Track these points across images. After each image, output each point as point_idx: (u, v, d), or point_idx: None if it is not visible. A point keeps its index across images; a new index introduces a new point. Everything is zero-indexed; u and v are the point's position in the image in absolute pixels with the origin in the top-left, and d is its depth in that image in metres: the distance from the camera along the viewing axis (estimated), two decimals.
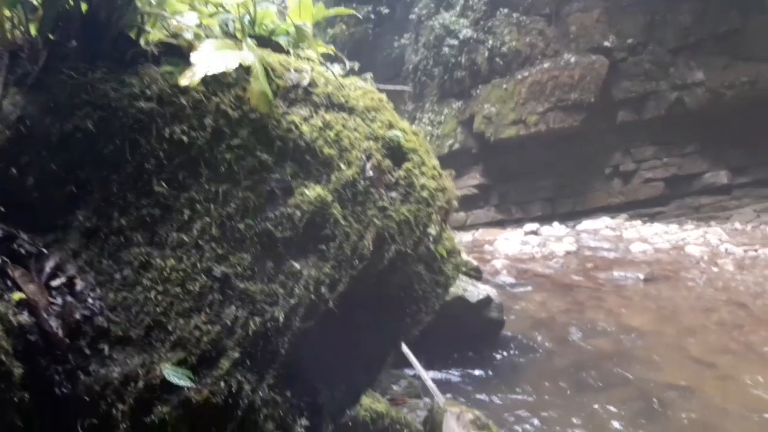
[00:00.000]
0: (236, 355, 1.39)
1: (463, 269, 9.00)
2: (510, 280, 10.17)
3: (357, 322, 1.67)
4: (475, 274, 9.06)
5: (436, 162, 1.81)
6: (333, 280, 1.48)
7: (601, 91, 13.21)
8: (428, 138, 14.36)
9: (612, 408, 5.75)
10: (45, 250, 1.35)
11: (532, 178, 14.37)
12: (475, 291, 7.94)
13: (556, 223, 13.65)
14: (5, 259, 1.26)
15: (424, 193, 1.67)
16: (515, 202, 14.64)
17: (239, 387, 1.37)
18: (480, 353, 7.42)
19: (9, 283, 1.24)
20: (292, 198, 1.49)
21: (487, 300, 7.88)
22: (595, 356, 7.08)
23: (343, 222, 1.51)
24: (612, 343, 7.49)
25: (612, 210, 13.95)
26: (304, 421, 1.43)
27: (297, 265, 1.47)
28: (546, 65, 13.68)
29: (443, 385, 5.68)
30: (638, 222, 13.31)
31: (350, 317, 1.66)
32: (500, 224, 14.47)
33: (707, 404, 5.61)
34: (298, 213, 1.49)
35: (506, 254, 11.74)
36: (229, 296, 1.42)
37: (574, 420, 5.59)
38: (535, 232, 13.04)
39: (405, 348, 5.66)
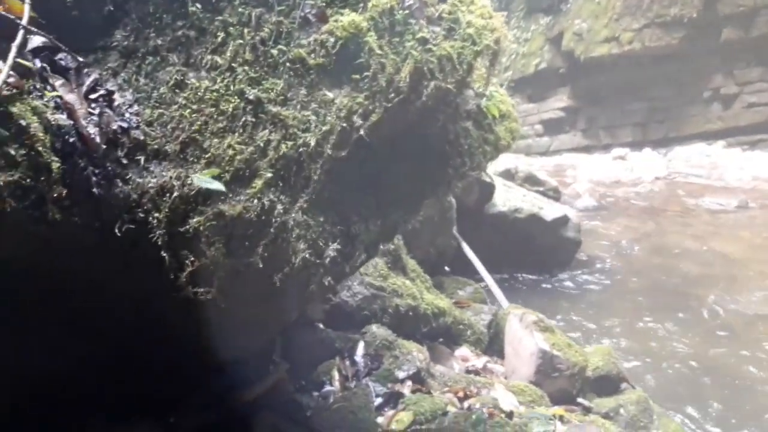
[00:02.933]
0: (269, 175, 1.40)
1: (541, 188, 8.78)
2: (592, 203, 9.82)
3: (396, 166, 1.65)
4: (554, 195, 8.83)
5: (487, 2, 1.71)
6: (366, 110, 1.45)
7: (705, 6, 12.11)
8: (512, 57, 13.82)
9: (682, 330, 5.57)
10: (85, 67, 1.39)
11: (622, 101, 13.60)
12: (551, 209, 7.75)
13: (647, 149, 12.96)
14: (46, 66, 1.30)
15: (470, 30, 1.59)
16: (603, 127, 13.96)
17: (272, 206, 1.39)
18: (553, 271, 7.31)
19: (49, 89, 1.29)
20: (325, 24, 1.46)
21: (564, 219, 7.67)
22: (674, 280, 6.83)
23: (378, 51, 1.46)
24: (694, 268, 7.18)
25: (708, 137, 13.04)
26: (336, 246, 1.44)
27: (330, 94, 1.45)
28: None
29: (513, 300, 5.64)
30: (737, 149, 12.41)
31: (389, 158, 1.64)
32: (586, 150, 13.91)
33: None
34: (332, 40, 1.45)
35: (590, 179, 11.32)
36: (262, 120, 1.43)
37: (640, 339, 5.46)
38: (622, 158, 12.45)
39: (470, 253, 5.65)
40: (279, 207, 1.40)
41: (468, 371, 3.98)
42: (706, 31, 12.36)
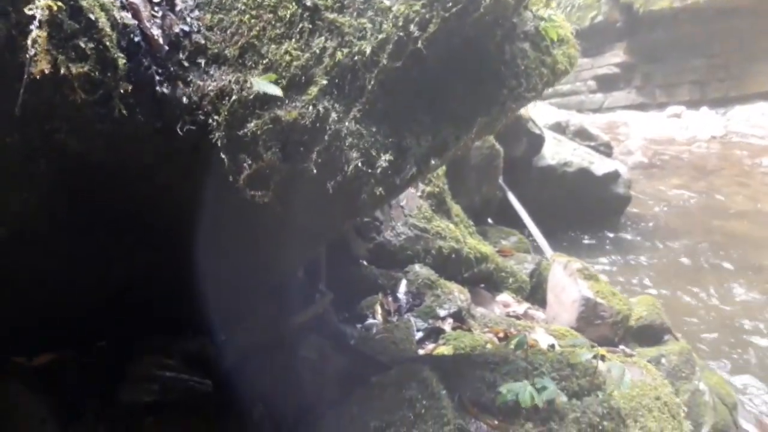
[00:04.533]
0: (324, 82, 1.42)
1: (592, 143, 8.58)
2: (643, 160, 9.59)
3: (450, 83, 1.64)
4: (605, 150, 8.61)
5: None
6: (423, 19, 1.44)
7: None
8: (568, 9, 13.36)
9: (731, 290, 5.46)
10: None
11: (681, 58, 13.04)
12: (601, 164, 7.60)
13: (704, 108, 12.47)
14: None
15: None
16: (660, 85, 13.46)
17: (326, 113, 1.41)
18: (602, 227, 7.22)
19: None
20: None
21: (615, 174, 7.51)
22: (726, 240, 6.66)
23: None
24: (747, 228, 6.97)
25: None
26: (388, 157, 1.45)
27: (387, 2, 1.45)
28: None
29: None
30: None
31: (444, 75, 1.63)
32: (641, 107, 13.48)
33: None
34: None
35: (643, 136, 11.00)
36: (319, 27, 1.44)
37: (689, 300, 5.38)
38: (678, 116, 12.03)
39: (516, 202, 5.61)
40: (333, 115, 1.42)
41: (508, 316, 3.99)
42: None
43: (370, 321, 3.29)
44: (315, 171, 1.41)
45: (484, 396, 2.10)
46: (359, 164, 1.44)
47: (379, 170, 1.46)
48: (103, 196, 1.61)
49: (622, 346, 3.74)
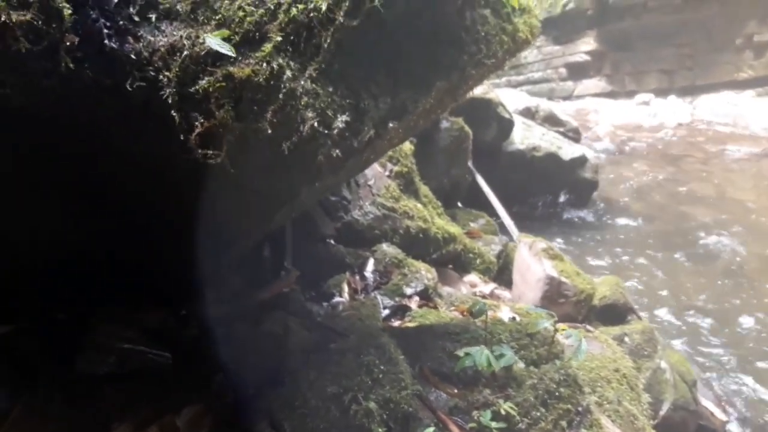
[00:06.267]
0: (278, 39, 1.40)
1: (561, 129, 8.65)
2: (611, 146, 9.71)
3: (410, 46, 1.63)
4: (573, 135, 8.70)
5: None
6: None
7: None
8: None
9: (693, 274, 5.58)
10: None
11: (650, 46, 13.23)
12: (569, 149, 7.67)
13: (672, 97, 12.68)
14: None
15: None
16: (629, 73, 13.64)
17: (280, 71, 1.39)
18: (569, 212, 7.30)
19: None
20: None
21: (582, 159, 7.59)
22: (690, 225, 6.79)
23: None
24: (711, 214, 7.11)
25: (737, 86, 12.70)
26: (344, 118, 1.44)
27: None
28: None
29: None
30: (766, 99, 12.08)
31: (404, 38, 1.62)
32: (610, 95, 13.64)
33: None
34: None
35: (612, 123, 11.13)
36: None
37: (653, 281, 5.47)
38: (646, 103, 12.20)
39: (484, 184, 5.64)
40: (288, 72, 1.40)
41: (475, 296, 4.01)
42: None
43: (337, 299, 3.28)
44: (269, 131, 1.39)
45: (444, 366, 2.11)
46: (315, 124, 1.42)
47: (335, 131, 1.45)
48: (51, 157, 1.57)
49: (585, 324, 3.79)
